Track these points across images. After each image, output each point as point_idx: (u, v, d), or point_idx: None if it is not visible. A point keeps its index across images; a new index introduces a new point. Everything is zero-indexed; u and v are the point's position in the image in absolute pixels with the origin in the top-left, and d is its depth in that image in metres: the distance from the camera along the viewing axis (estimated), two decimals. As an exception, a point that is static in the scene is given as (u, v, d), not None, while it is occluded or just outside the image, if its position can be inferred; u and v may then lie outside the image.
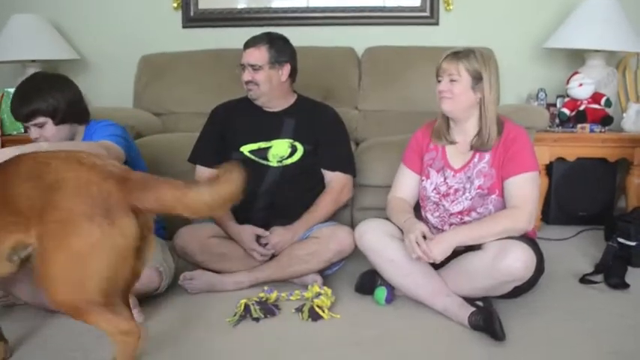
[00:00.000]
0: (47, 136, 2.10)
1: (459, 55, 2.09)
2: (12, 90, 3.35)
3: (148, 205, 1.43)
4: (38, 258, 1.41)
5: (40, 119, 2.08)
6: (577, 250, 2.82)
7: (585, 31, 3.21)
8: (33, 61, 3.57)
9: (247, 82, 2.41)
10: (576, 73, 3.25)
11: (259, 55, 2.39)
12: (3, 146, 3.23)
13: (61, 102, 2.10)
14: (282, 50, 2.43)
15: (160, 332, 1.96)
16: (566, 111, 3.21)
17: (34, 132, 2.10)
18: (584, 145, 3.11)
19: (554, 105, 3.39)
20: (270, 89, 2.43)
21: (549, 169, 3.18)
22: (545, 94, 3.42)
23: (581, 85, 3.16)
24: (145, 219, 1.47)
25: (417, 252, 1.97)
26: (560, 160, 3.16)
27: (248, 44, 2.43)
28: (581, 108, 3.17)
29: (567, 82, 3.24)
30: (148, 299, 2.16)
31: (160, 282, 2.17)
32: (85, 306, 1.42)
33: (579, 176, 3.21)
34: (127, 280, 1.50)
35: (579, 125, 3.14)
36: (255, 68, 2.39)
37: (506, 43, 3.53)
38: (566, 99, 3.27)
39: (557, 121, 3.26)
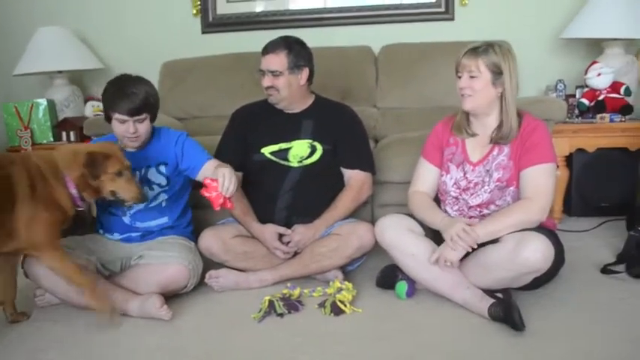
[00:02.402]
0: (142, 131, 2.25)
1: (477, 50, 2.10)
2: (41, 101, 3.50)
3: None
4: None
5: (144, 115, 2.23)
6: (599, 241, 2.82)
7: (602, 20, 3.19)
8: (60, 72, 3.69)
9: (268, 88, 2.46)
10: (594, 62, 3.24)
11: (279, 61, 2.43)
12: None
13: (157, 100, 2.30)
14: (300, 55, 2.47)
15: (187, 328, 2.03)
16: (586, 101, 3.21)
17: (132, 127, 2.21)
18: (604, 135, 3.09)
19: (574, 96, 3.38)
20: (290, 93, 2.48)
21: (569, 160, 3.17)
22: (564, 86, 3.42)
23: (599, 74, 3.16)
24: None
25: (463, 246, 2.02)
26: (581, 151, 3.15)
27: (267, 50, 2.46)
28: (601, 98, 3.16)
29: (586, 73, 3.24)
30: (176, 297, 2.24)
31: (187, 280, 2.24)
32: None
33: (600, 167, 3.19)
34: None
35: (599, 115, 3.13)
36: (275, 74, 2.43)
37: (523, 36, 3.52)
38: (586, 89, 3.26)
39: (576, 111, 3.25)
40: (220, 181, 2.00)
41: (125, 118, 2.20)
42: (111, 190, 2.09)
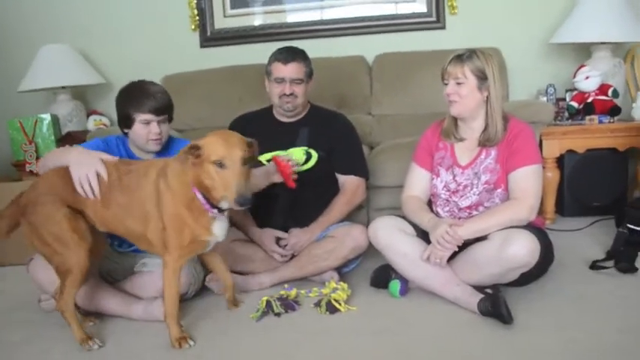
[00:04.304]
0: (164, 132, 2.31)
1: (462, 57, 2.19)
2: (45, 116, 3.59)
3: None
4: None
5: (166, 115, 2.31)
6: (590, 239, 2.87)
7: (590, 25, 3.28)
8: (63, 87, 3.79)
9: (287, 95, 2.55)
10: (582, 66, 3.32)
11: (300, 69, 2.55)
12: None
13: (173, 103, 2.36)
14: (310, 65, 2.62)
15: (188, 329, 2.09)
16: (575, 104, 3.28)
17: (157, 127, 2.27)
18: (593, 136, 3.17)
19: (564, 99, 3.46)
20: (304, 100, 2.61)
21: (560, 161, 3.24)
22: (555, 89, 3.50)
23: (587, 77, 3.23)
24: None
25: (448, 247, 2.09)
26: (571, 152, 3.21)
27: (287, 59, 2.55)
28: (589, 100, 3.23)
29: (574, 76, 3.31)
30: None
31: (188, 287, 2.30)
32: None
33: (591, 167, 3.25)
34: None
35: (588, 117, 3.20)
36: (296, 82, 2.55)
37: (513, 42, 3.62)
38: (575, 92, 3.34)
39: (566, 114, 3.33)
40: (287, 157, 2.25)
41: (151, 117, 2.25)
42: None
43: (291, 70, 2.54)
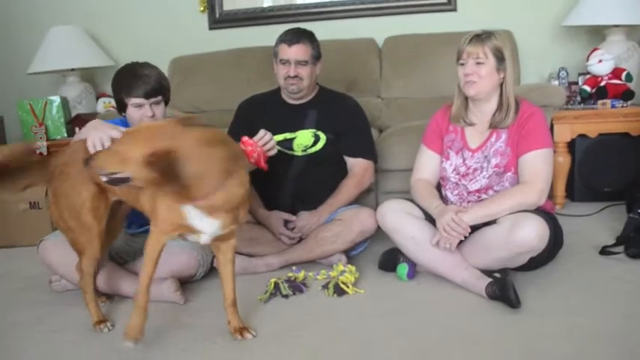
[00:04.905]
0: (158, 115, 2.28)
1: (481, 37, 2.16)
2: (55, 98, 3.61)
3: None
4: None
5: (159, 97, 2.27)
6: (600, 225, 2.85)
7: (603, 7, 3.22)
8: (72, 70, 3.80)
9: (292, 77, 2.53)
10: (595, 49, 3.27)
11: (306, 51, 2.52)
12: (48, 150, 3.46)
13: (169, 84, 2.34)
14: (318, 47, 2.59)
15: (197, 310, 2.13)
16: (587, 88, 3.24)
17: (149, 110, 2.25)
18: (605, 120, 3.13)
19: (576, 83, 3.41)
20: (310, 83, 2.58)
21: (572, 146, 3.21)
22: (567, 73, 3.45)
23: (600, 61, 3.19)
24: None
25: (455, 236, 2.08)
26: (582, 136, 3.18)
27: (292, 41, 2.52)
28: (602, 84, 3.19)
29: (587, 60, 3.27)
30: (188, 284, 2.33)
31: (197, 269, 2.33)
32: None
33: (602, 152, 3.22)
34: None
35: (600, 101, 3.16)
36: (301, 64, 2.52)
37: (525, 25, 3.57)
38: (587, 76, 3.30)
39: (578, 98, 3.29)
40: (260, 134, 2.04)
41: (142, 101, 2.23)
42: None
43: (296, 51, 2.51)
